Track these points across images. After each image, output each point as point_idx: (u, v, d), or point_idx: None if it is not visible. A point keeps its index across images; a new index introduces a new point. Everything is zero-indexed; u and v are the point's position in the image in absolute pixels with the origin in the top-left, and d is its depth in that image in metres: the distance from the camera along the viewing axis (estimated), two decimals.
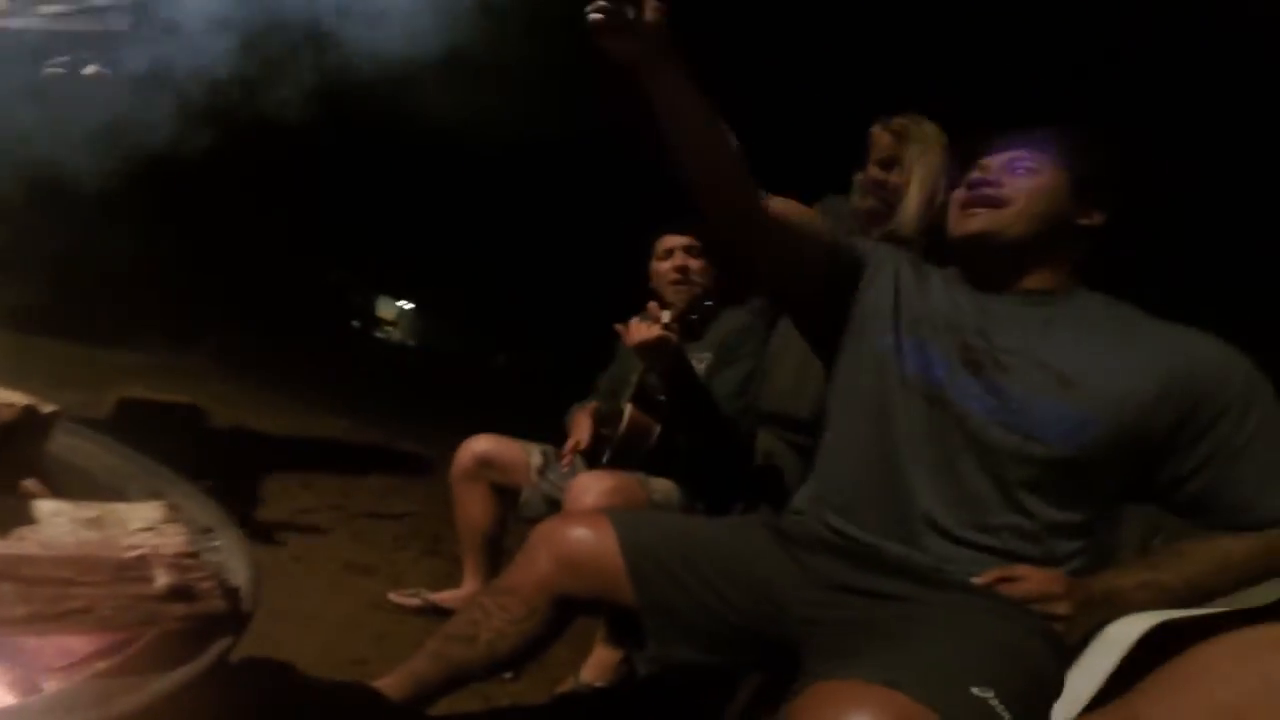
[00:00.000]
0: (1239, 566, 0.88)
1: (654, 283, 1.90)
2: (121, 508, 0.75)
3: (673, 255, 1.85)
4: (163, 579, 0.65)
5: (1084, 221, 1.03)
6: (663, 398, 1.73)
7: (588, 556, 1.03)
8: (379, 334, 22.26)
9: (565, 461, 1.77)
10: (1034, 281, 1.04)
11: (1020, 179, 1.02)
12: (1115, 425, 0.90)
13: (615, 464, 1.70)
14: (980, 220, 1.02)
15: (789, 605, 0.97)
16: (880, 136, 1.72)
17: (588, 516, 1.10)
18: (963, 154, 1.14)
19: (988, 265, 1.06)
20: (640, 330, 1.50)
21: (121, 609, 0.64)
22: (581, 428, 1.80)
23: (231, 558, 0.84)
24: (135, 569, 0.66)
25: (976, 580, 0.90)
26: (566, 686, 1.67)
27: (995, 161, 1.05)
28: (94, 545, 0.68)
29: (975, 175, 1.05)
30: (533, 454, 1.84)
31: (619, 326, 1.57)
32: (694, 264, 1.83)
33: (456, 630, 1.08)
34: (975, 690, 0.68)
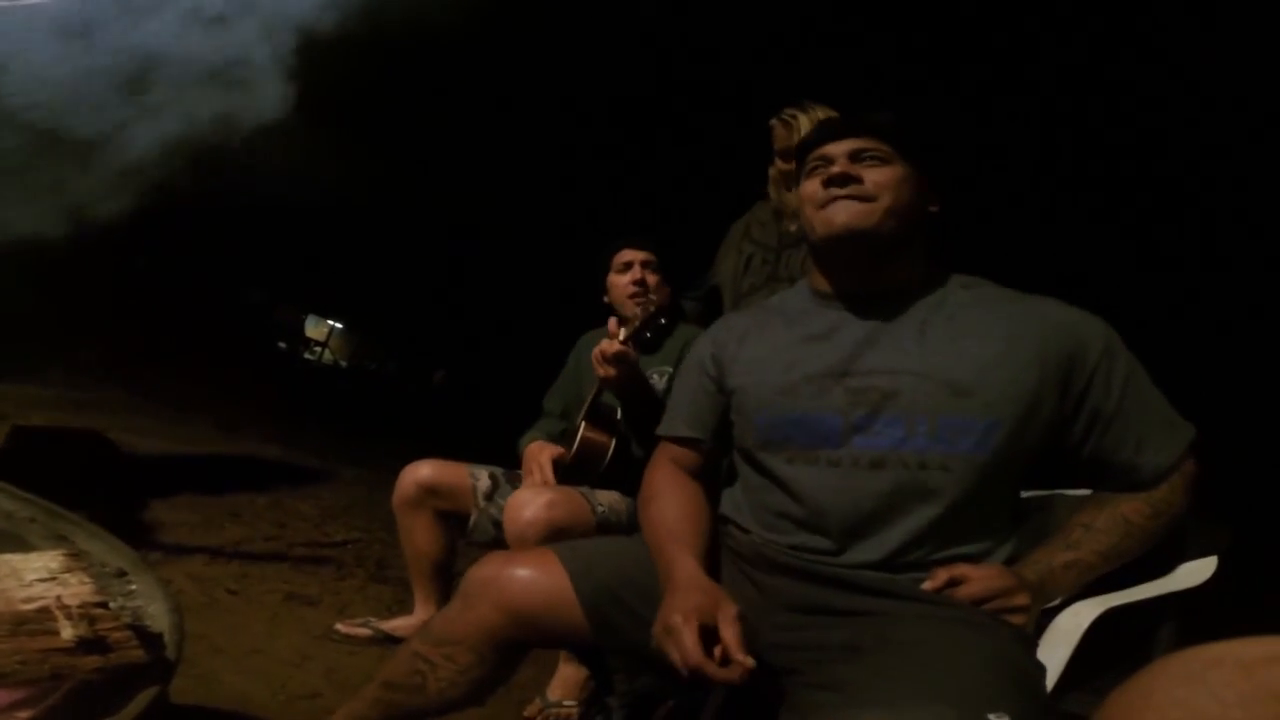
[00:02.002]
0: (1140, 529, 0.93)
1: (610, 295, 1.85)
2: (15, 558, 0.67)
3: (631, 269, 1.81)
4: (69, 630, 0.58)
5: (932, 209, 1.05)
6: (618, 415, 1.69)
7: (540, 603, 0.97)
8: (308, 355, 21.34)
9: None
10: (901, 275, 1.02)
11: (876, 171, 1.00)
12: (1015, 419, 0.90)
13: (568, 482, 1.65)
14: (848, 214, 0.98)
15: (755, 629, 0.92)
16: (776, 129, 1.79)
17: (532, 557, 1.02)
18: (798, 146, 1.11)
19: (858, 263, 1.03)
20: (600, 345, 1.47)
21: (27, 663, 0.58)
22: (544, 466, 1.69)
23: (150, 602, 0.76)
24: (36, 622, 0.59)
25: (926, 586, 0.89)
26: (534, 707, 1.62)
27: (838, 152, 1.02)
28: None
29: (833, 170, 1.00)
30: (479, 477, 1.76)
31: (596, 351, 1.49)
32: (651, 279, 1.80)
33: (400, 679, 1.00)
34: (992, 717, 0.67)
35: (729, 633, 0.80)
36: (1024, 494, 1.05)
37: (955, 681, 0.72)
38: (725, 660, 0.78)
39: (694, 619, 0.81)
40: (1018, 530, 0.98)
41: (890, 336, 0.98)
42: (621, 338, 1.48)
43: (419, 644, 1.02)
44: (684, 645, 0.79)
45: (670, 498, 1.08)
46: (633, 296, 1.78)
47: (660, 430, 1.20)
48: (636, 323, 1.50)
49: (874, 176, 0.99)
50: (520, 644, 1.01)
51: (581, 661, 1.58)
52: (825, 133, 1.06)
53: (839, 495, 0.94)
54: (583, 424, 1.67)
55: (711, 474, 1.16)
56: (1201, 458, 0.96)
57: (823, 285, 1.09)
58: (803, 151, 1.09)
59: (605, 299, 1.87)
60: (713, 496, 1.13)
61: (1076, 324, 0.95)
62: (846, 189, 0.99)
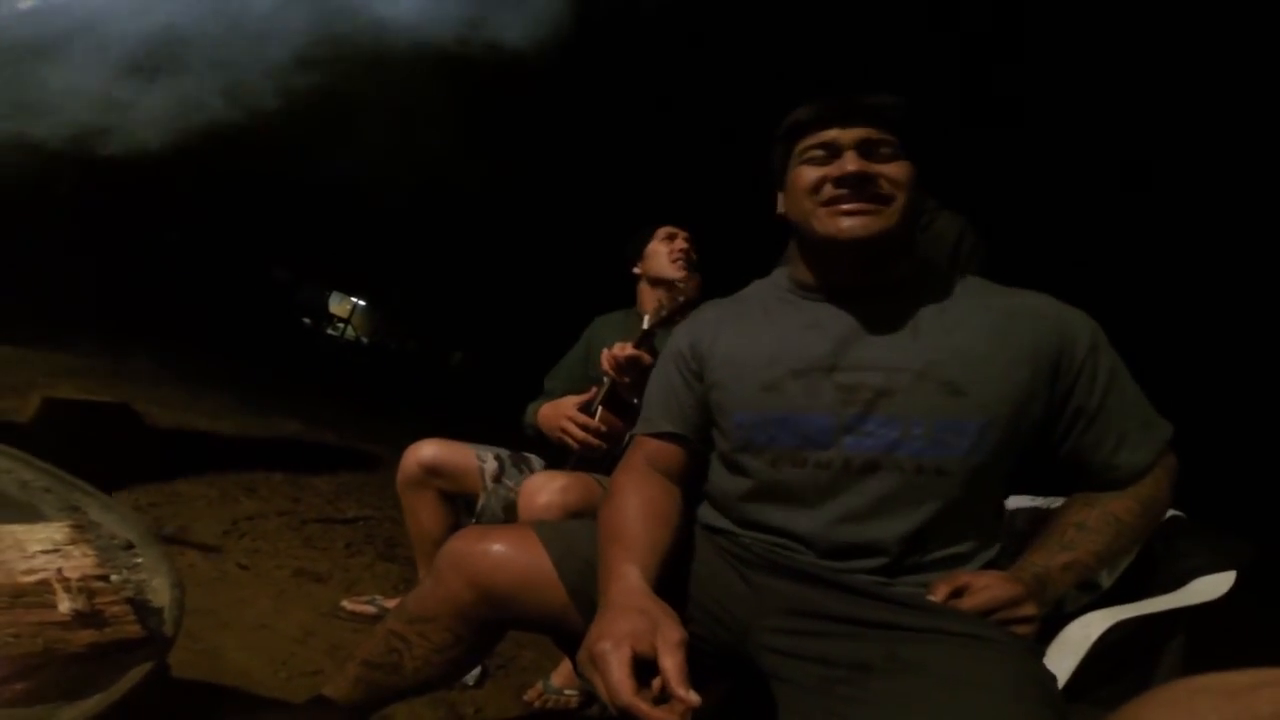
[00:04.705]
0: (1130, 528, 0.91)
1: (647, 265, 1.86)
2: (19, 529, 0.68)
3: (675, 239, 1.85)
4: (66, 604, 0.59)
5: (929, 205, 1.02)
6: (636, 400, 1.68)
7: (514, 582, 0.92)
8: (331, 331, 21.67)
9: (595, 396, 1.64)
10: (897, 274, 0.97)
11: (890, 169, 0.92)
12: (1009, 420, 0.88)
13: (581, 467, 1.64)
14: (866, 223, 0.91)
15: (750, 631, 0.89)
16: None
17: (508, 533, 0.97)
18: (790, 126, 0.99)
19: (856, 264, 0.96)
20: (613, 350, 1.47)
21: (20, 637, 0.59)
22: (574, 414, 1.62)
23: (154, 575, 0.77)
24: (34, 594, 0.60)
25: (931, 599, 0.84)
26: (534, 692, 1.63)
27: (847, 140, 0.93)
28: None
29: (847, 169, 0.91)
30: (486, 459, 1.75)
31: (607, 354, 1.49)
32: (693, 254, 1.85)
33: (377, 658, 1.00)
34: None
35: (669, 662, 0.69)
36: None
37: (985, 713, 0.67)
38: (664, 696, 0.67)
39: (625, 645, 0.70)
40: (1003, 526, 0.96)
41: (880, 331, 0.94)
42: (646, 325, 1.47)
43: (394, 622, 1.01)
44: (610, 678, 0.68)
45: (632, 496, 0.96)
46: (676, 261, 1.81)
47: (638, 430, 1.10)
48: (664, 313, 1.48)
49: (888, 173, 0.92)
50: (496, 623, 0.98)
51: (560, 647, 1.57)
52: (830, 114, 0.95)
53: (829, 501, 0.90)
54: (600, 409, 1.66)
55: (694, 479, 1.06)
56: (1180, 453, 0.95)
57: (805, 277, 1.02)
58: (797, 132, 0.98)
59: (636, 269, 1.89)
60: (693, 503, 1.06)
61: (1065, 319, 0.93)
62: (863, 194, 0.91)
